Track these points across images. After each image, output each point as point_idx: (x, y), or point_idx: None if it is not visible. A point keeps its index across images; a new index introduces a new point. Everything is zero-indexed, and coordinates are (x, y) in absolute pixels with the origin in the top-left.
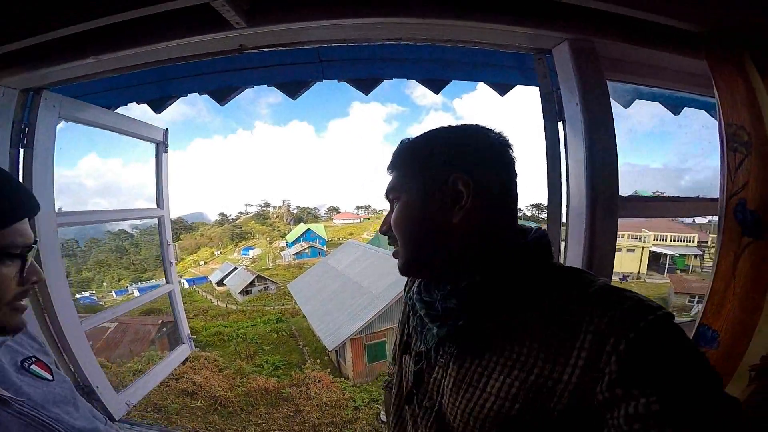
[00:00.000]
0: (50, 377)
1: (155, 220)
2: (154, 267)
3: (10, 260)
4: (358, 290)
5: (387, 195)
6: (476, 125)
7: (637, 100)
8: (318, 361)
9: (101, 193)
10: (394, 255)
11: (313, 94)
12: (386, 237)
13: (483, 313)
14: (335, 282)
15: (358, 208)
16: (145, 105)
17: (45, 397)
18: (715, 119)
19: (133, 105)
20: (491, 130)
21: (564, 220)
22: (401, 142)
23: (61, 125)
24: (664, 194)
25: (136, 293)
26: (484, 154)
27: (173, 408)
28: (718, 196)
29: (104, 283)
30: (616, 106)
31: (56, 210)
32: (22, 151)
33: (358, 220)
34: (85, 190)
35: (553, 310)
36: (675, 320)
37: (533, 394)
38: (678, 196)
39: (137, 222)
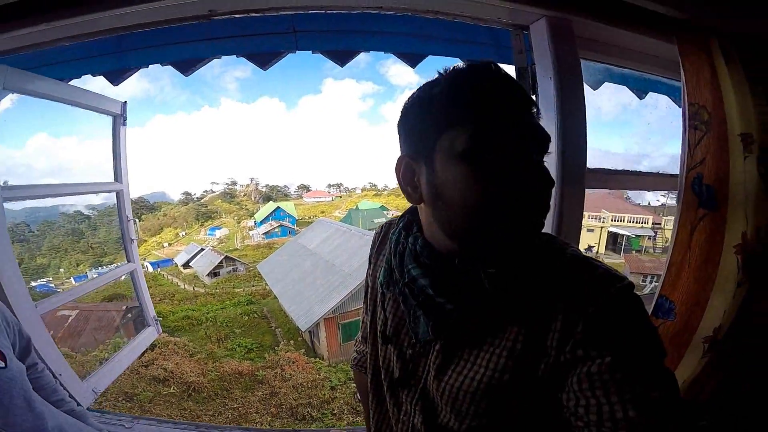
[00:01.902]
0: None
1: (112, 201)
2: (114, 250)
3: None
4: (330, 269)
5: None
6: None
7: (605, 83)
8: (291, 342)
9: (54, 174)
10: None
11: (285, 70)
12: (357, 215)
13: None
14: (306, 261)
15: (329, 186)
16: (101, 77)
17: None
18: (677, 104)
19: (88, 78)
20: None
21: None
22: None
23: (8, 104)
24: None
25: None
26: None
27: (145, 396)
28: (677, 173)
29: (61, 269)
30: (585, 88)
31: (2, 183)
32: None
33: (330, 198)
34: (34, 171)
35: (533, 281)
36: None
37: (520, 362)
38: (639, 171)
39: (94, 203)
